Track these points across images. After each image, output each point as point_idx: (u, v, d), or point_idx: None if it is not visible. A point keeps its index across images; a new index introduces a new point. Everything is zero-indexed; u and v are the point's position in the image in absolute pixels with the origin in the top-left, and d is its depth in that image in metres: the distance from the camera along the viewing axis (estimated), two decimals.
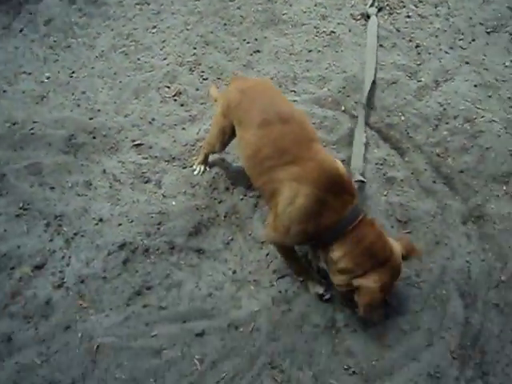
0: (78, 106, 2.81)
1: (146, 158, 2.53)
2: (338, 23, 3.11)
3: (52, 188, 2.41)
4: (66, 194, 2.38)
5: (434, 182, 2.29)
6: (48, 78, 3.00)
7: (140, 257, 2.13)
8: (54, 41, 3.26)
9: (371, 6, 3.11)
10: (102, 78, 2.97)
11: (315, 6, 3.27)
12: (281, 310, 1.91)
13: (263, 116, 1.78)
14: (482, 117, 2.47)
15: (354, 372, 1.71)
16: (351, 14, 3.17)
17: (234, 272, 2.05)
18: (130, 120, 2.71)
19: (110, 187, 2.40)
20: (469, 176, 2.30)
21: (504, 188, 2.22)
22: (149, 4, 3.49)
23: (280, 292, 1.96)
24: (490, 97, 2.57)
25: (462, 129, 2.46)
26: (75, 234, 2.22)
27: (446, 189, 2.25)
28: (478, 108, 2.52)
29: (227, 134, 2.05)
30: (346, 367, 1.73)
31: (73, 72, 3.03)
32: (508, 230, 2.04)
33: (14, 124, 2.69)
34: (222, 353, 1.81)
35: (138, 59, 3.06)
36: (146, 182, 2.43)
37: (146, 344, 1.86)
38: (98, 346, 1.86)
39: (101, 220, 2.26)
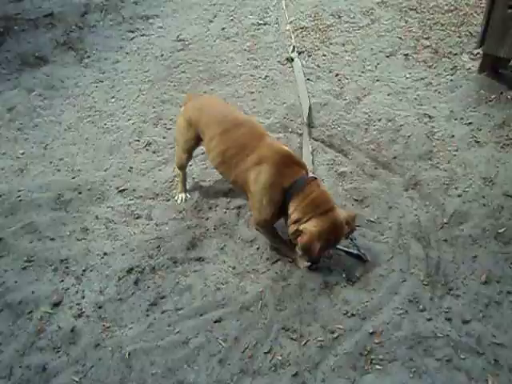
0: (59, 170, 3.19)
1: (132, 199, 2.92)
2: (270, 69, 3.85)
3: (52, 239, 2.70)
4: (67, 241, 2.69)
5: (376, 168, 2.89)
6: (23, 153, 3.38)
7: (148, 275, 2.45)
8: (21, 123, 3.68)
9: (292, 51, 3.90)
10: (74, 144, 3.40)
11: (247, 60, 4.01)
12: (281, 286, 2.31)
13: (222, 126, 2.36)
14: (399, 115, 3.19)
15: (352, 314, 2.12)
16: (278, 61, 3.93)
17: (234, 268, 2.44)
18: (110, 172, 3.12)
19: (106, 228, 2.75)
20: (401, 159, 2.93)
21: (429, 162, 2.87)
22: (102, 81, 4.06)
23: (276, 273, 2.37)
24: (400, 100, 3.32)
25: (387, 127, 3.14)
26: (84, 271, 2.51)
27: (386, 171, 2.86)
28: (394, 109, 3.24)
29: (192, 144, 2.62)
30: (344, 312, 2.14)
31: (46, 145, 3.43)
32: (439, 187, 2.65)
33: (0, 196, 2.99)
34: (240, 330, 2.15)
35: (105, 124, 3.54)
36: (137, 218, 2.80)
37: (173, 340, 2.15)
38: (129, 353, 2.12)
39: (105, 254, 2.58)
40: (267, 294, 2.28)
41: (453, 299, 2.12)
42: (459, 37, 3.83)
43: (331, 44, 4.02)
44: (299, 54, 3.92)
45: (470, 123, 3.03)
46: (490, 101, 3.16)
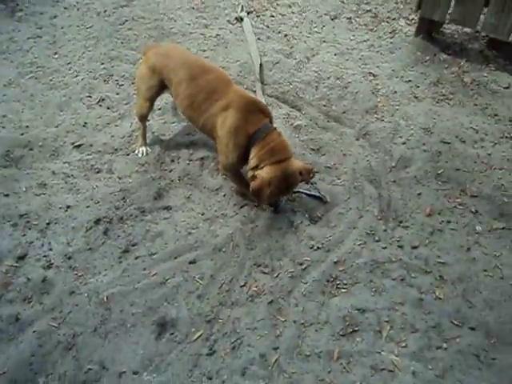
0: (4, 127, 3.04)
1: (90, 154, 2.89)
2: (220, 28, 3.89)
3: (6, 195, 2.62)
4: (23, 197, 2.61)
5: (328, 121, 3.11)
6: None
7: (117, 225, 2.48)
8: None
9: (241, 11, 3.96)
10: (18, 101, 3.24)
11: (196, 18, 4.02)
12: (249, 227, 2.46)
13: (190, 71, 2.44)
14: (346, 73, 3.42)
15: (317, 247, 2.34)
16: (228, 21, 3.99)
17: (203, 214, 2.54)
18: (63, 128, 3.04)
19: (66, 182, 2.71)
20: (349, 114, 3.17)
21: (375, 116, 3.14)
22: (41, 37, 3.86)
23: (245, 216, 2.52)
24: (347, 60, 3.55)
25: (335, 84, 3.36)
26: (48, 224, 2.48)
27: (337, 124, 3.08)
28: (341, 68, 3.47)
29: (154, 91, 2.65)
30: (310, 246, 2.35)
31: None
32: (385, 136, 2.93)
33: None
34: (215, 268, 2.28)
35: (51, 80, 3.40)
36: (98, 172, 2.79)
37: (150, 282, 2.23)
38: (107, 297, 2.17)
39: (68, 207, 2.56)
40: (237, 235, 2.42)
41: (403, 230, 2.41)
42: (396, 3, 4.14)
43: (278, 5, 4.15)
44: (248, 13, 3.99)
45: (409, 81, 3.34)
46: (426, 61, 3.50)
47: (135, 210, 2.56)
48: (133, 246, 2.40)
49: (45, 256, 2.34)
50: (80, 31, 3.90)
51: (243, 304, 2.15)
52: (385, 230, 2.42)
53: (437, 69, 3.43)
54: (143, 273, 2.28)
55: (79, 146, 2.93)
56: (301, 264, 2.29)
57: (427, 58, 3.52)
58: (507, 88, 3.24)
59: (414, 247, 2.34)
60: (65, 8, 4.19)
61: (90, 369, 1.93)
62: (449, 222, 2.44)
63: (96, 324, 2.08)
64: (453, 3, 3.30)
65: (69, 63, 3.56)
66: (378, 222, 2.46)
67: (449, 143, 2.85)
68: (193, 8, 4.13)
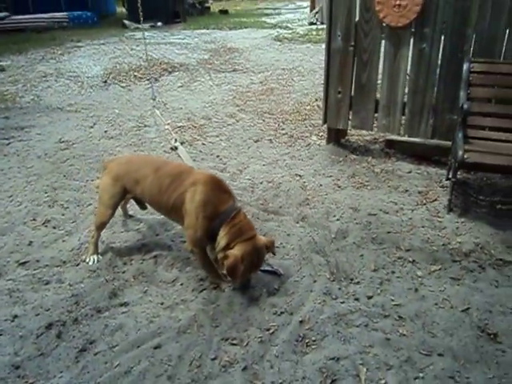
0: None
1: (36, 269, 2.85)
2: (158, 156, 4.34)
3: None
4: None
5: (268, 215, 3.42)
6: None
7: (72, 326, 2.38)
8: None
9: (175, 142, 4.49)
10: None
11: (134, 151, 4.46)
12: (212, 307, 2.48)
13: (153, 166, 2.70)
14: (276, 177, 3.90)
15: (281, 312, 2.41)
16: (164, 151, 4.47)
17: (162, 303, 2.54)
18: (6, 250, 3.02)
19: (10, 297, 2.61)
20: (285, 208, 3.53)
21: (308, 206, 3.52)
22: None
23: (204, 298, 2.55)
24: (274, 167, 4.08)
25: (268, 186, 3.80)
26: None
27: (276, 216, 3.40)
28: (271, 174, 3.96)
29: (117, 198, 2.82)
30: (274, 312, 2.41)
31: None
32: (321, 217, 3.27)
33: None
34: (182, 349, 2.22)
35: None
36: (47, 284, 2.73)
37: (113, 373, 2.10)
38: None
39: (16, 316, 2.43)
40: (200, 316, 2.42)
41: (355, 285, 2.59)
42: (305, 127, 4.98)
43: (208, 136, 4.78)
44: (181, 143, 4.53)
45: (330, 176, 3.88)
46: (340, 162, 4.13)
47: (90, 310, 2.49)
48: (91, 343, 2.28)
49: None
50: (21, 171, 4.11)
51: (217, 376, 2.07)
52: (339, 289, 2.58)
53: (350, 166, 4.05)
54: (105, 366, 2.14)
55: (24, 263, 2.89)
56: (268, 330, 2.31)
57: (340, 159, 4.17)
58: (409, 172, 3.89)
59: (369, 297, 2.50)
60: (4, 155, 4.44)
61: None
62: (393, 272, 2.68)
63: None
64: (351, 115, 4.11)
65: (10, 196, 3.68)
66: (331, 283, 2.63)
67: (375, 215, 3.25)
68: (131, 144, 4.61)
